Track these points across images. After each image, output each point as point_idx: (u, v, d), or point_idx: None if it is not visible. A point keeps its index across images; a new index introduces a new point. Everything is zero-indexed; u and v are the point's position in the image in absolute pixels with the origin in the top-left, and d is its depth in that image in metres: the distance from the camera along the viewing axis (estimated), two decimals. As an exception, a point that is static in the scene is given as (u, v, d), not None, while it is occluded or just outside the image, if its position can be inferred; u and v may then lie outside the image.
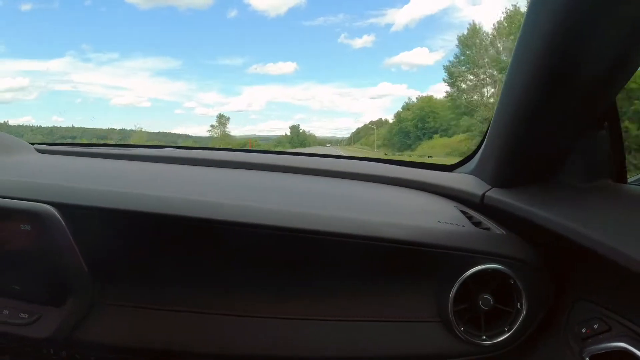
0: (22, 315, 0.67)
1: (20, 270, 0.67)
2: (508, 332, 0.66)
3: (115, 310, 0.68)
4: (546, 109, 0.63)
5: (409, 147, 14.83)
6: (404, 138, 15.40)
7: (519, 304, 0.66)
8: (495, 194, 0.77)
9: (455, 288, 0.65)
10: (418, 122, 14.83)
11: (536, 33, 0.58)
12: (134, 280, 0.68)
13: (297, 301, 0.68)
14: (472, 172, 0.93)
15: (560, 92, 0.60)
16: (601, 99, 0.64)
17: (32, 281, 0.68)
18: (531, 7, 0.58)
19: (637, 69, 0.61)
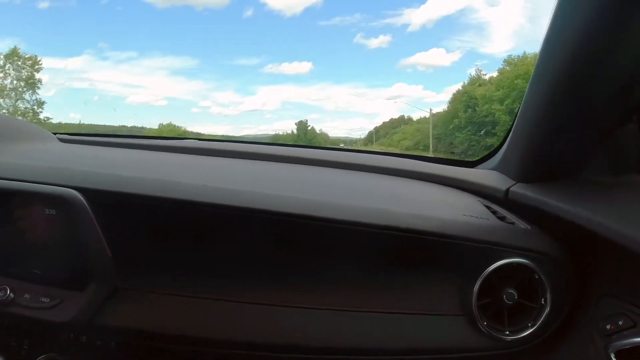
0: (43, 299, 0.67)
1: (44, 255, 0.68)
2: (532, 328, 0.65)
3: (136, 296, 0.68)
4: (572, 105, 0.63)
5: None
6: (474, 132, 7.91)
7: (543, 299, 0.65)
8: (520, 189, 0.76)
9: (480, 282, 0.65)
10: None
11: (563, 31, 0.58)
12: (155, 266, 0.68)
13: (318, 291, 0.68)
14: (495, 168, 0.93)
15: (586, 88, 0.60)
16: (628, 95, 0.63)
17: (54, 265, 0.68)
18: (559, 5, 0.57)
19: None
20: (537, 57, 0.66)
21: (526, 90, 0.72)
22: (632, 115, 0.68)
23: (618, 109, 0.65)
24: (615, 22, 0.51)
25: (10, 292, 0.66)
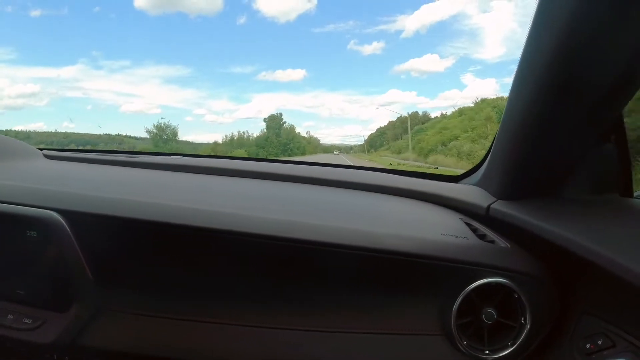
0: (26, 320, 0.67)
1: (26, 276, 0.68)
2: (512, 347, 0.65)
3: (118, 317, 0.68)
4: (551, 122, 0.63)
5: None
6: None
7: (523, 318, 0.65)
8: (501, 206, 0.77)
9: (459, 301, 0.65)
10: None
11: (540, 46, 0.58)
12: (137, 287, 0.68)
13: (298, 312, 0.68)
14: (477, 184, 0.93)
15: (565, 105, 0.60)
16: (607, 112, 0.64)
17: (37, 286, 0.68)
18: (535, 20, 0.58)
19: None
20: (514, 75, 0.66)
21: (505, 107, 0.72)
22: (610, 135, 0.69)
23: (597, 127, 0.66)
24: (589, 39, 0.52)
25: None
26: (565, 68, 0.56)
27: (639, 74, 0.57)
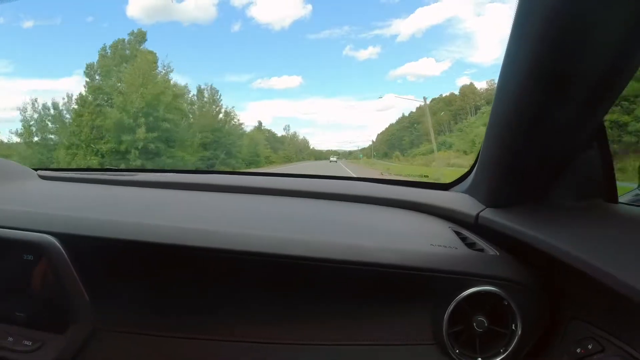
0: (25, 342, 0.69)
1: (24, 298, 0.69)
2: (504, 353, 0.66)
3: (116, 337, 0.69)
4: (537, 126, 0.64)
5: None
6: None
7: (513, 325, 0.66)
8: (489, 214, 0.78)
9: (449, 310, 0.66)
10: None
11: (520, 55, 0.59)
12: (134, 307, 0.69)
13: (291, 326, 0.69)
14: (467, 191, 0.94)
15: (550, 109, 0.61)
16: (590, 119, 0.65)
17: (35, 309, 0.69)
18: (514, 31, 0.59)
19: (623, 89, 0.62)
20: (497, 83, 0.67)
21: (490, 115, 0.73)
22: (593, 141, 0.71)
23: (580, 134, 0.67)
24: (573, 36, 0.52)
25: None
26: (546, 76, 0.57)
27: (619, 81, 0.59)
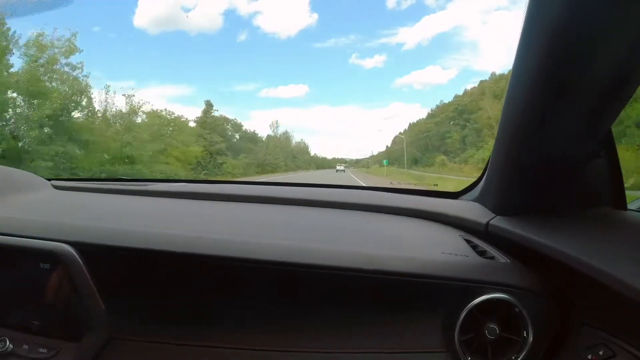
0: (41, 350, 0.70)
1: (40, 306, 0.71)
2: None
3: (130, 345, 0.70)
4: (543, 139, 0.65)
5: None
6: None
7: (525, 332, 0.66)
8: (499, 223, 0.79)
9: (461, 318, 0.66)
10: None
11: (527, 65, 0.60)
12: (148, 315, 0.71)
13: (304, 334, 0.70)
14: (476, 200, 0.95)
15: (556, 122, 0.62)
16: (597, 127, 0.66)
17: (51, 317, 0.71)
18: (521, 41, 0.60)
19: (630, 97, 0.63)
20: (506, 92, 0.68)
21: (499, 124, 0.74)
22: (601, 149, 0.72)
23: (589, 142, 0.68)
24: (581, 43, 0.53)
25: (9, 343, 0.69)
26: (556, 77, 0.58)
27: (630, 81, 0.59)
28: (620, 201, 0.73)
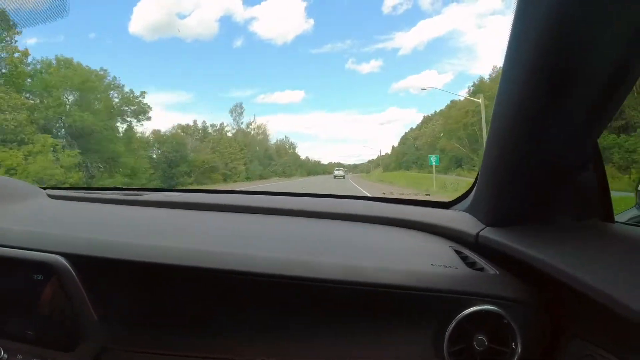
0: (35, 359, 0.70)
1: (34, 317, 0.71)
2: None
3: (124, 356, 0.71)
4: (532, 151, 0.66)
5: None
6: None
7: (514, 344, 0.67)
8: (489, 234, 0.79)
9: (450, 330, 0.67)
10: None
11: (516, 75, 0.61)
12: (141, 326, 0.71)
13: (295, 345, 0.70)
14: (467, 210, 0.95)
15: (545, 134, 0.63)
16: (585, 140, 0.67)
17: (45, 327, 0.71)
18: (509, 50, 0.61)
19: (617, 111, 0.64)
20: (494, 103, 0.69)
21: (488, 133, 0.75)
22: (588, 162, 0.73)
23: (576, 155, 0.69)
24: (572, 43, 0.54)
25: (4, 353, 0.70)
26: (544, 89, 0.59)
27: (616, 95, 0.60)
28: (608, 213, 0.73)
